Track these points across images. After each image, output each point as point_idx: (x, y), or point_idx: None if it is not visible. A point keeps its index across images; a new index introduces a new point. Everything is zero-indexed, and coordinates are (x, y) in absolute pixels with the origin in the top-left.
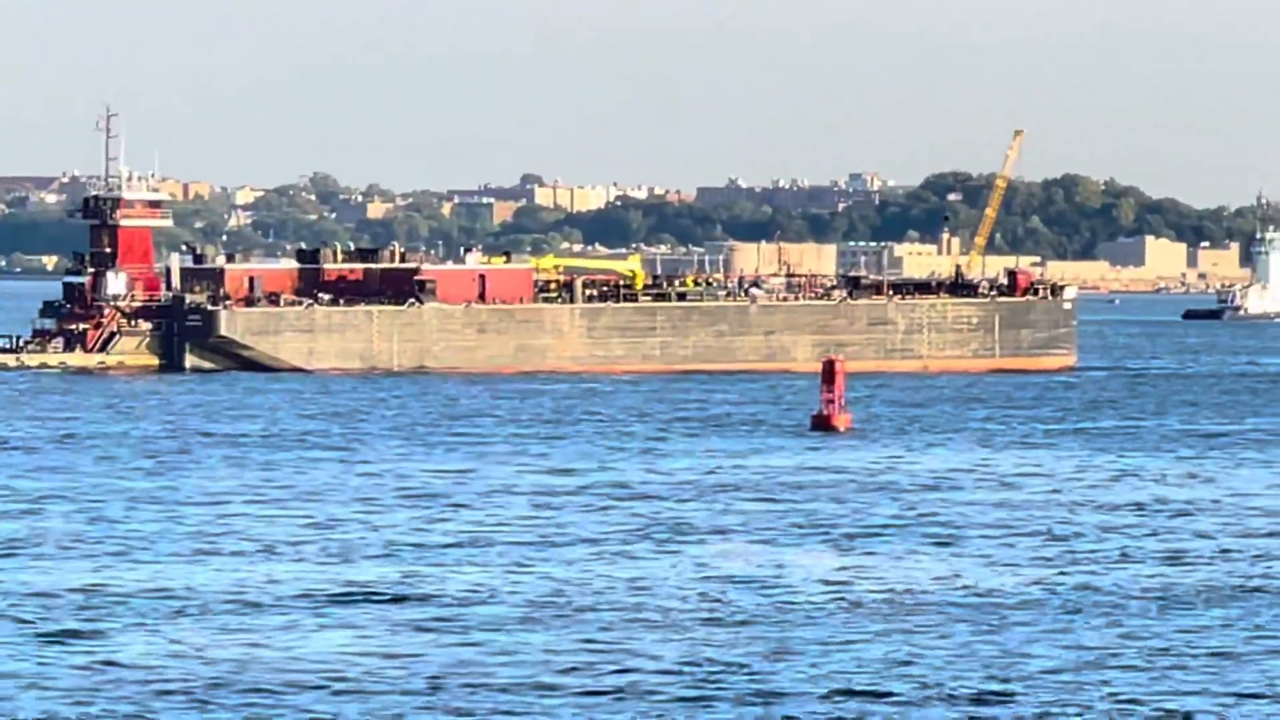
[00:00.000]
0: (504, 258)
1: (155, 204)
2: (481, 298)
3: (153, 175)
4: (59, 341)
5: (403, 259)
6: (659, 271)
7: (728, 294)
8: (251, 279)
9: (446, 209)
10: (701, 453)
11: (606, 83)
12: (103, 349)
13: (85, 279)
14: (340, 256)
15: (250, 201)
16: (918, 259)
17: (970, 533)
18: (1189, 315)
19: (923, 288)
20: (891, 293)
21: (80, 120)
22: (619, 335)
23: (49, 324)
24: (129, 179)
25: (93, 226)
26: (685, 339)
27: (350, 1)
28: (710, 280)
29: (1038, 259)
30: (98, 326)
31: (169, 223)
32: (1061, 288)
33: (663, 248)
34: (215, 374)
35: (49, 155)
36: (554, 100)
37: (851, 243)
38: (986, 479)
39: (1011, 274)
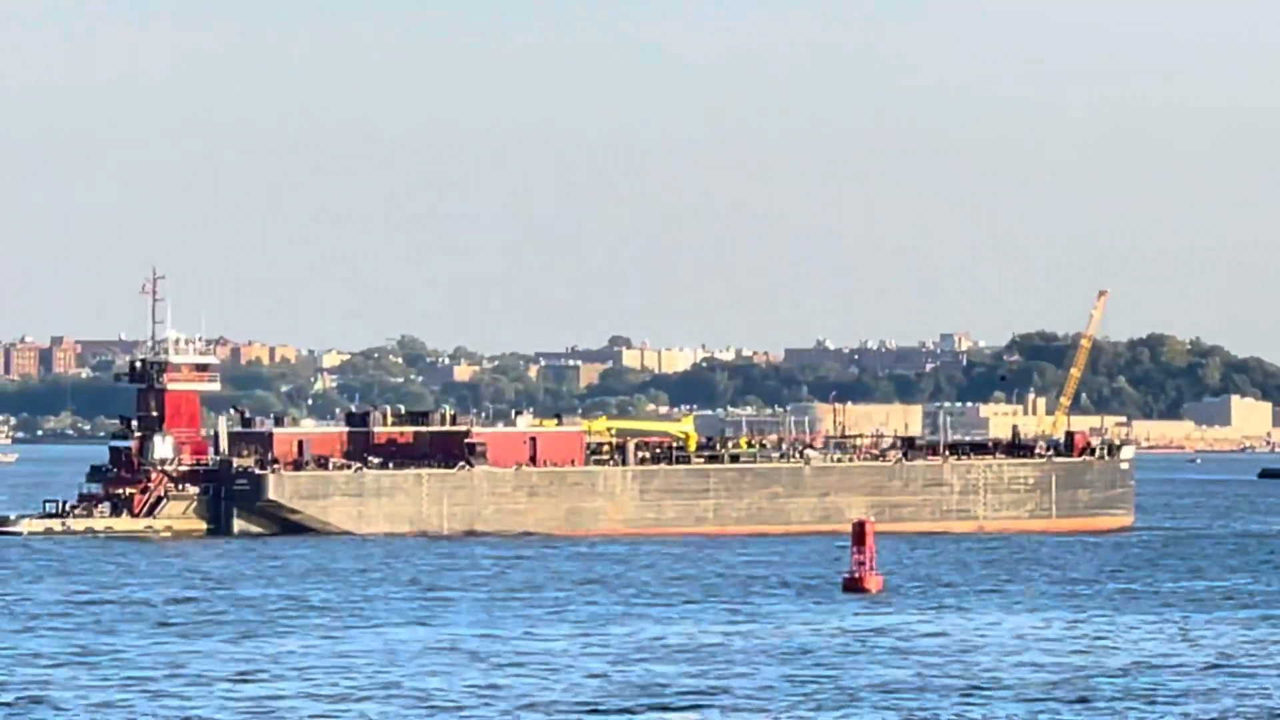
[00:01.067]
0: (556, 420)
1: (203, 367)
2: (533, 460)
3: (200, 339)
4: (105, 506)
5: (454, 421)
6: (745, 432)
7: (781, 456)
8: (301, 442)
9: (533, 371)
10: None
11: (695, 245)
12: (149, 513)
13: (132, 443)
14: (390, 420)
15: (337, 365)
16: (1003, 419)
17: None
18: (1265, 475)
19: (979, 448)
20: (947, 453)
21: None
22: (672, 497)
23: (96, 488)
24: (176, 342)
25: (140, 391)
26: (739, 500)
27: (429, 165)
28: (764, 442)
29: (1123, 419)
30: (144, 490)
31: (216, 386)
32: (1119, 447)
33: (748, 409)
34: (263, 537)
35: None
36: (643, 262)
37: (936, 403)
38: (989, 642)
39: (1069, 434)
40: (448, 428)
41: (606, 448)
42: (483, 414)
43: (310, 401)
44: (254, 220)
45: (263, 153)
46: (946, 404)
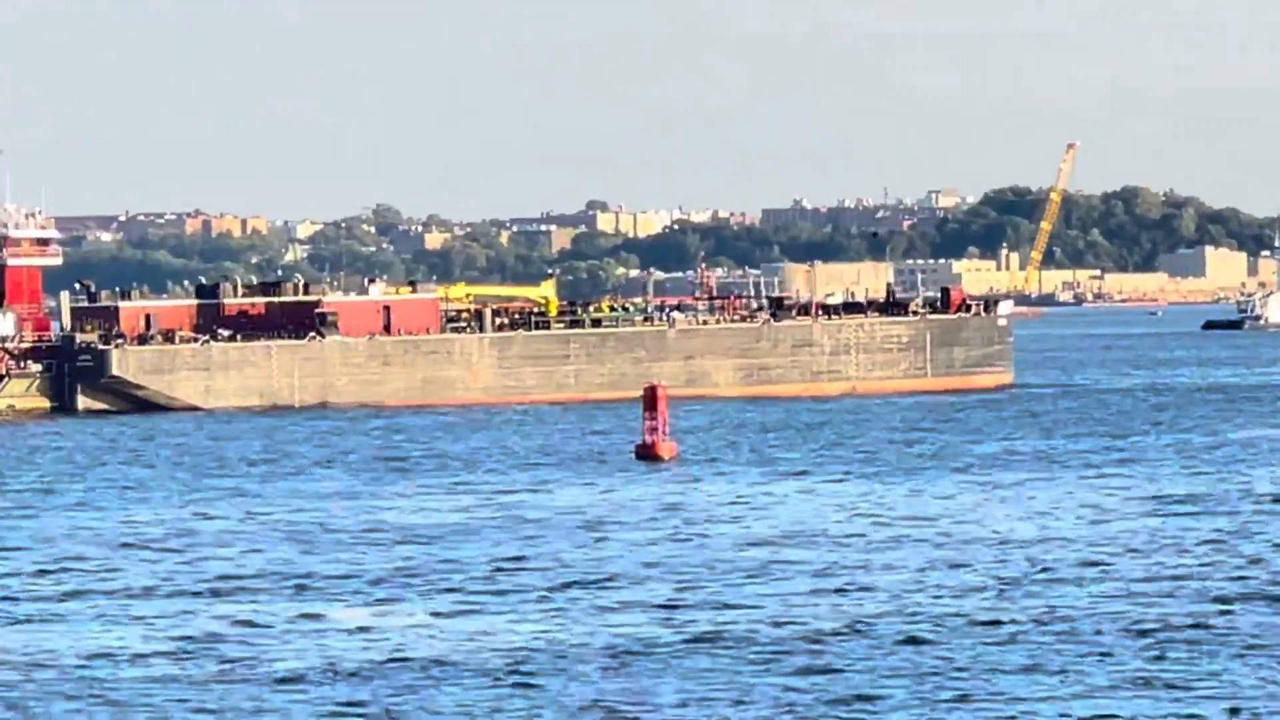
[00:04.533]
0: (410, 288)
1: (44, 242)
2: (387, 329)
3: (40, 212)
4: None
5: (305, 291)
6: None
7: (646, 319)
8: (148, 316)
9: (505, 238)
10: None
11: (672, 105)
12: None
13: None
14: (241, 291)
15: (310, 235)
16: (976, 275)
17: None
18: (1209, 326)
19: (851, 308)
20: (818, 314)
21: None
22: (531, 364)
23: None
24: (17, 217)
25: None
26: (601, 366)
27: (408, 33)
28: (627, 305)
29: (1097, 272)
30: None
31: (58, 261)
32: (996, 302)
33: (719, 270)
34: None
35: None
36: (617, 124)
37: (910, 261)
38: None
39: (944, 290)
40: (299, 298)
41: (465, 315)
42: (334, 283)
43: (279, 273)
44: (224, 88)
45: (243, 14)
46: (920, 260)
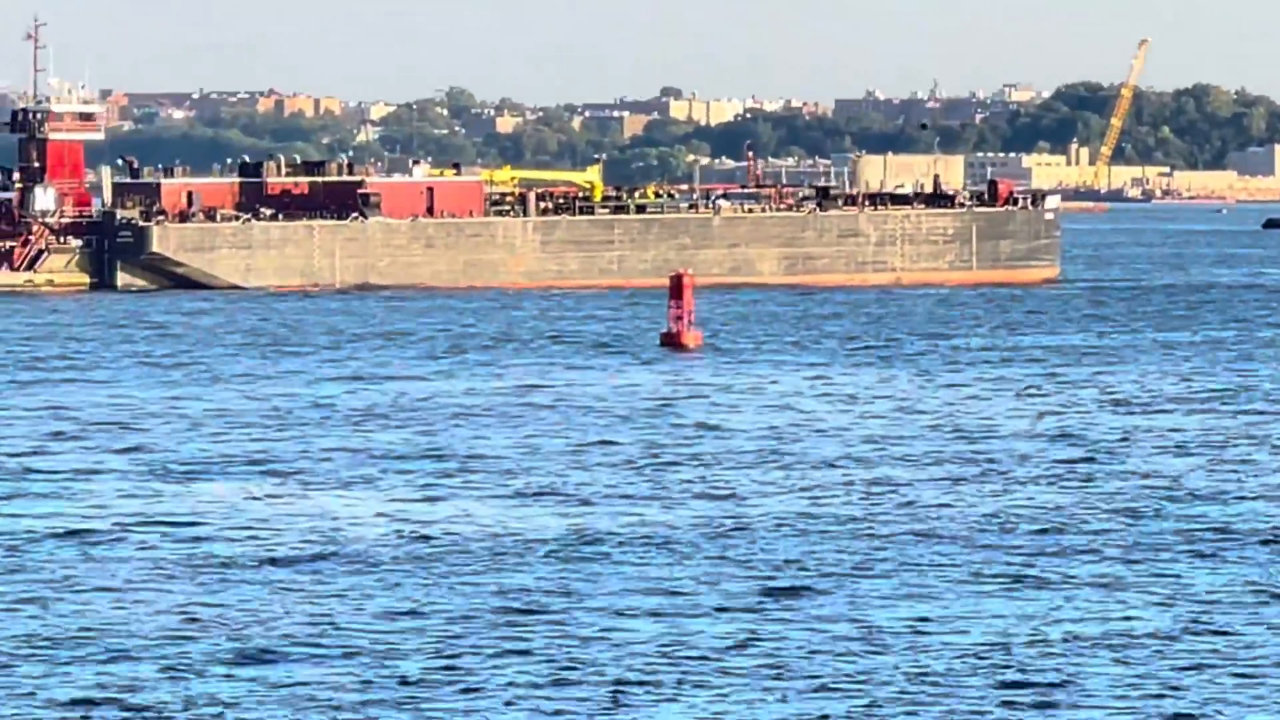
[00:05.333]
0: (454, 170)
1: (87, 116)
2: (430, 211)
3: (83, 87)
4: None
5: (350, 171)
6: (784, 183)
7: (691, 206)
8: (190, 193)
9: (576, 123)
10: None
11: None
12: (30, 267)
13: (12, 195)
14: (284, 170)
15: (383, 116)
16: (1046, 169)
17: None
18: (1269, 224)
19: (898, 199)
20: (864, 204)
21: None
22: (574, 249)
23: None
24: (60, 90)
25: (20, 141)
26: (644, 252)
27: None
28: (673, 192)
29: (1166, 169)
30: (25, 244)
31: (100, 135)
32: (1044, 196)
33: (789, 160)
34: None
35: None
36: (697, 11)
37: (980, 154)
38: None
39: (992, 183)
40: (343, 178)
41: (509, 199)
42: (379, 164)
43: (350, 154)
44: None
45: None
46: (990, 154)
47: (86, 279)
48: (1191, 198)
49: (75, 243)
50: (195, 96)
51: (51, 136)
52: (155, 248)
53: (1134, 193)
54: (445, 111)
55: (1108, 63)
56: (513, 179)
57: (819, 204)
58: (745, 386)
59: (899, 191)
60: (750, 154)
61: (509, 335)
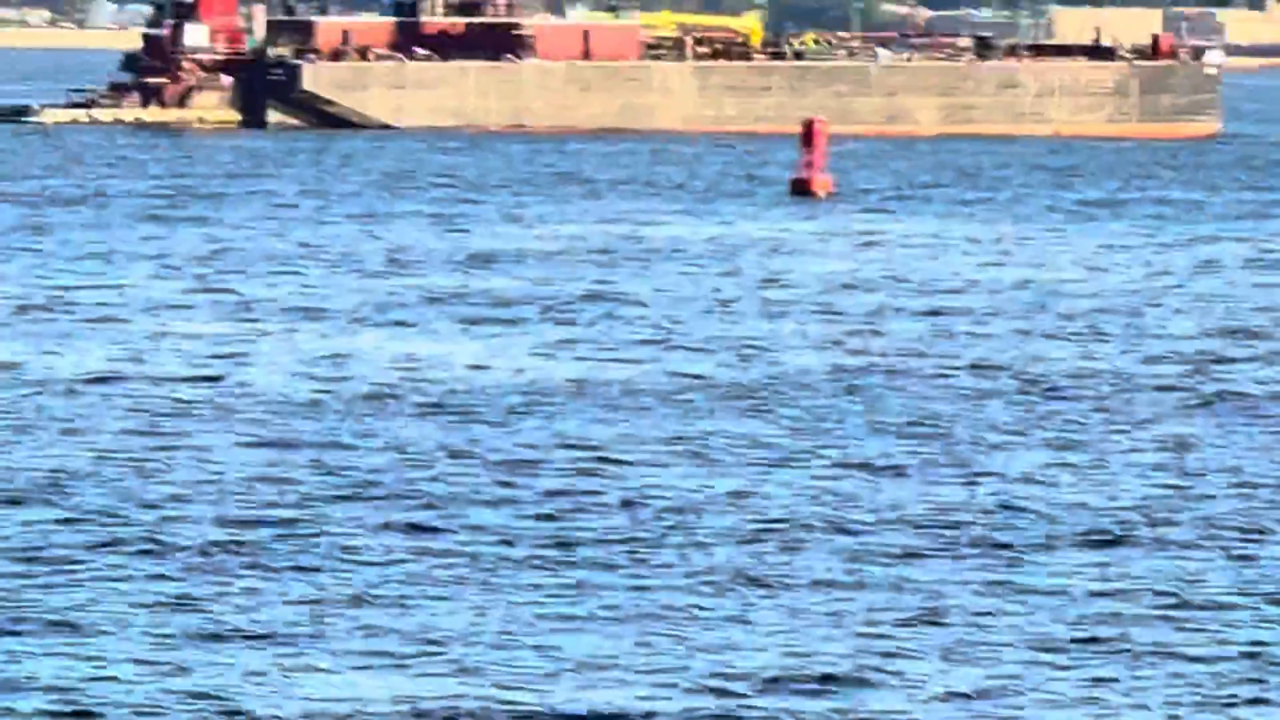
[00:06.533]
0: (611, 12)
1: None
2: (586, 55)
3: None
4: (136, 96)
5: (509, 12)
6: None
7: (850, 54)
8: (345, 32)
9: None
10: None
11: None
12: (180, 104)
13: (164, 31)
14: (441, 9)
15: None
16: (1243, 25)
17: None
18: None
19: (1061, 51)
20: (1024, 55)
21: None
22: (731, 94)
23: (126, 78)
24: None
25: None
26: (801, 100)
27: None
28: (832, 40)
29: None
30: (176, 80)
31: None
32: (1204, 51)
33: (985, 10)
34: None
35: None
36: None
37: (1177, 8)
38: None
39: (1155, 38)
40: (499, 19)
41: (666, 43)
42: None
43: None
44: None
45: None
46: (1186, 8)
47: (237, 116)
48: None
49: (226, 80)
50: None
51: None
52: (307, 85)
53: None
54: None
55: None
56: (671, 24)
57: (979, 54)
58: (864, 235)
59: (1061, 44)
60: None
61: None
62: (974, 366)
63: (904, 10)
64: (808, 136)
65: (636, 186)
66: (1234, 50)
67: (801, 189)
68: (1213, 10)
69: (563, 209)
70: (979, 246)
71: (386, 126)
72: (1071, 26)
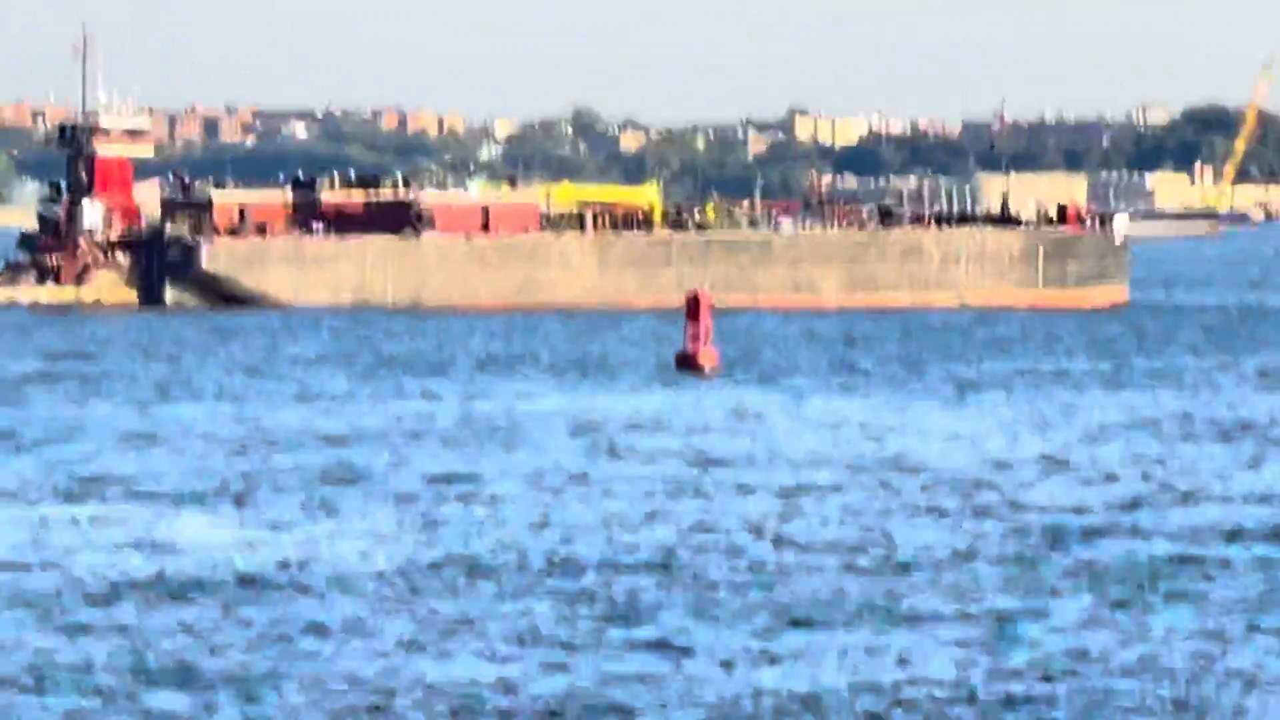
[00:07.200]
0: (510, 185)
1: (136, 132)
2: (485, 229)
3: (131, 101)
4: (32, 275)
5: (405, 187)
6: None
7: (752, 224)
8: (241, 209)
9: (700, 142)
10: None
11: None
12: (78, 283)
13: (60, 210)
14: (338, 185)
15: (508, 135)
16: (1170, 188)
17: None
18: None
19: (963, 218)
20: (930, 223)
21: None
22: (633, 268)
23: (23, 257)
24: (108, 106)
25: (69, 156)
26: (704, 271)
27: None
28: (733, 210)
29: None
30: (73, 259)
31: (149, 153)
32: (1111, 217)
33: (911, 179)
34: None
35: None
36: (821, 28)
37: (1104, 173)
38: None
39: (1061, 207)
40: (397, 195)
41: (565, 217)
42: (434, 178)
43: (470, 170)
44: None
45: None
46: (1114, 173)
47: (135, 296)
48: None
49: (124, 259)
50: (319, 114)
51: (99, 152)
52: (205, 264)
53: (1257, 214)
54: (569, 130)
55: (1233, 84)
56: (571, 197)
57: (881, 222)
58: (741, 410)
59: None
60: (813, 173)
61: (527, 356)
62: (813, 545)
63: (825, 179)
64: (694, 310)
65: (513, 361)
66: (1159, 215)
67: (687, 363)
68: (1143, 175)
69: (425, 383)
70: (849, 422)
71: (286, 304)
72: (997, 192)
